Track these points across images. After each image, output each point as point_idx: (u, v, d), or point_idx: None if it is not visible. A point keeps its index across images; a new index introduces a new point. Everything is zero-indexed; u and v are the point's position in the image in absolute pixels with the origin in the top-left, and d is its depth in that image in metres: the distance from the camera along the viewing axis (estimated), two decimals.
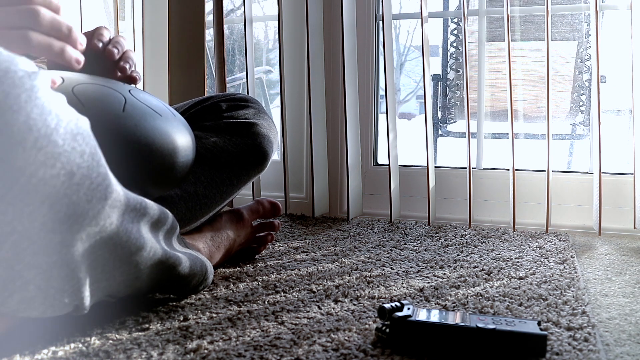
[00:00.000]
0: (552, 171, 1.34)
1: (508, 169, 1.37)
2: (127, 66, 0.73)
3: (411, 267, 0.97)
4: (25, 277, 0.48)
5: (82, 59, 0.61)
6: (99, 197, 0.50)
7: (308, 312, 0.73)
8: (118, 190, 0.54)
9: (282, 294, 0.81)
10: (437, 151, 2.17)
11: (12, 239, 0.46)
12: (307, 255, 1.05)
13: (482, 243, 1.16)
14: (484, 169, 1.44)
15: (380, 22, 1.39)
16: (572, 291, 0.82)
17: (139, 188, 0.62)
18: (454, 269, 0.96)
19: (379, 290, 0.83)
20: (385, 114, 1.39)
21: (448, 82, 2.11)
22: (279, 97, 1.46)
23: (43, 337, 0.63)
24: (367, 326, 0.68)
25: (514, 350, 0.59)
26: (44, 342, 0.62)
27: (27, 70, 0.47)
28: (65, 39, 0.59)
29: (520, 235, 1.24)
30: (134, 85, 0.77)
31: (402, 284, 0.87)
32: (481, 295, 0.81)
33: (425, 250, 1.10)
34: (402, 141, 1.49)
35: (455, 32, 2.10)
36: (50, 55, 0.58)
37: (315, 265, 0.98)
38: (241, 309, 0.74)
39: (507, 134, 1.31)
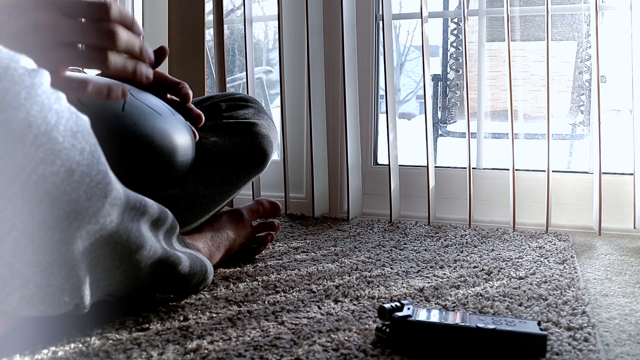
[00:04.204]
0: (552, 171, 1.34)
1: (508, 169, 1.37)
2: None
3: (411, 267, 0.97)
4: (25, 275, 0.48)
5: (151, 76, 0.62)
6: (98, 194, 0.50)
7: (308, 312, 0.73)
8: (118, 188, 0.54)
9: (282, 294, 0.81)
10: (437, 151, 2.17)
11: (11, 236, 0.46)
12: (307, 255, 1.05)
13: (482, 243, 1.16)
14: (484, 169, 1.44)
15: (380, 22, 1.39)
16: (572, 291, 0.82)
17: (139, 187, 0.62)
18: (454, 269, 0.96)
19: (379, 290, 0.83)
20: (385, 114, 1.39)
21: (448, 82, 2.11)
22: (279, 97, 1.46)
23: (43, 337, 0.63)
24: (367, 326, 0.68)
25: (514, 350, 0.59)
26: (44, 342, 0.61)
27: (27, 68, 0.47)
28: (138, 57, 0.60)
29: (520, 235, 1.24)
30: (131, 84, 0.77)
31: (402, 284, 0.87)
32: (481, 295, 0.81)
33: (425, 250, 1.10)
34: (402, 141, 1.49)
35: (455, 32, 2.10)
36: (123, 74, 0.59)
37: (315, 265, 0.98)
38: (241, 309, 0.74)
39: (507, 134, 1.31)
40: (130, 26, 0.58)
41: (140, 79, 0.60)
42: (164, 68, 1.55)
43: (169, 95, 0.82)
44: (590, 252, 1.11)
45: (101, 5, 0.56)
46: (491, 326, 0.60)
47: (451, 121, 2.13)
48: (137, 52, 0.59)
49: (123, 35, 0.57)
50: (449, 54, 2.12)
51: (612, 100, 1.97)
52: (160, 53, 0.71)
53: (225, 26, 1.46)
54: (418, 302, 0.78)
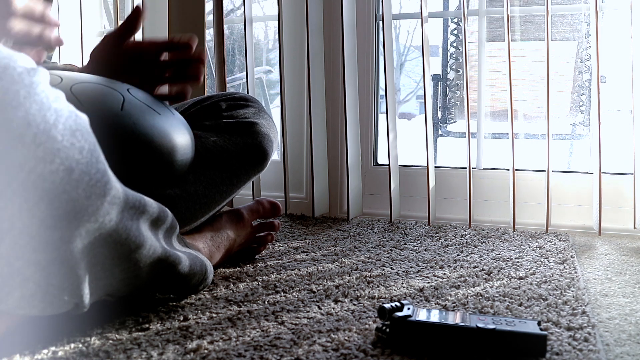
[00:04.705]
0: (552, 171, 1.34)
1: (508, 169, 1.37)
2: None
3: (411, 267, 0.97)
4: (24, 274, 0.48)
5: (61, 41, 0.63)
6: (98, 193, 0.50)
7: (308, 312, 0.73)
8: (117, 187, 0.54)
9: (282, 294, 0.81)
10: (437, 151, 2.17)
11: (11, 235, 0.46)
12: (307, 255, 1.05)
13: (482, 243, 1.16)
14: (484, 169, 1.44)
15: (380, 22, 1.39)
16: (572, 291, 0.82)
17: (138, 186, 0.62)
18: (454, 269, 0.96)
19: (379, 290, 0.83)
20: (385, 114, 1.39)
21: (448, 82, 2.11)
22: (279, 97, 1.46)
23: (43, 337, 0.63)
24: (367, 326, 0.68)
25: (514, 350, 0.59)
26: (44, 342, 0.61)
27: (26, 67, 0.47)
28: (41, 21, 0.61)
29: (520, 235, 1.23)
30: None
31: (402, 284, 0.87)
32: (481, 295, 0.81)
33: (425, 250, 1.10)
34: (402, 141, 1.49)
35: (455, 32, 2.10)
36: (31, 40, 0.60)
37: (315, 265, 0.97)
38: (241, 309, 0.74)
39: (507, 134, 1.31)
40: None
41: (49, 43, 0.62)
42: None
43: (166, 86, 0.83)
44: (590, 252, 1.11)
45: None
46: (491, 326, 0.59)
47: (451, 121, 2.13)
48: (37, 17, 0.61)
49: (19, 0, 0.58)
50: (449, 54, 2.12)
51: (612, 100, 1.97)
52: (135, 13, 0.75)
53: (225, 26, 1.46)
54: (418, 302, 0.78)
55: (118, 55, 0.79)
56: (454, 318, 0.62)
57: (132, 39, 0.79)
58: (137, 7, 0.75)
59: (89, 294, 0.55)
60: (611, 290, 0.85)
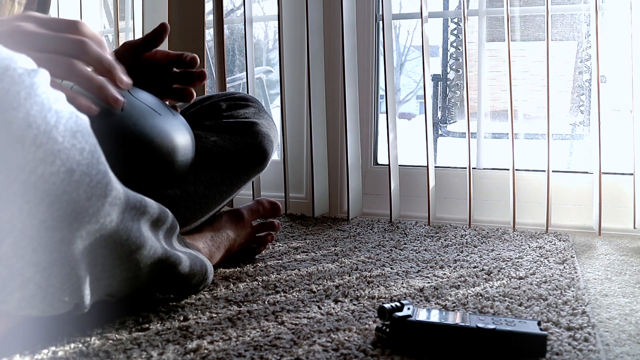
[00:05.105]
0: (552, 171, 1.34)
1: (508, 169, 1.37)
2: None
3: (411, 267, 0.97)
4: (25, 275, 0.48)
5: (121, 100, 0.62)
6: (98, 194, 0.50)
7: (308, 312, 0.73)
8: (118, 188, 0.54)
9: (282, 294, 0.81)
10: (437, 151, 2.17)
11: (12, 236, 0.46)
12: (307, 255, 1.05)
13: (482, 243, 1.16)
14: (484, 169, 1.44)
15: (380, 22, 1.39)
16: (572, 291, 0.82)
17: (139, 186, 0.62)
18: (454, 269, 0.96)
19: (379, 290, 0.83)
20: (385, 114, 1.39)
21: (448, 82, 2.11)
22: (279, 97, 1.46)
23: (43, 337, 0.63)
24: (367, 326, 0.68)
25: (514, 350, 0.59)
26: (44, 342, 0.61)
27: (27, 68, 0.47)
28: (107, 75, 0.61)
29: (520, 235, 1.23)
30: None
31: (402, 284, 0.87)
32: (481, 295, 0.81)
33: (425, 250, 1.10)
34: (402, 141, 1.49)
35: (455, 32, 2.10)
36: (90, 88, 0.60)
37: (315, 265, 0.98)
38: (241, 309, 0.74)
39: (507, 134, 1.31)
40: (99, 45, 0.61)
41: (107, 99, 0.61)
42: None
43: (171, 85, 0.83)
44: (590, 252, 1.11)
45: (74, 21, 0.60)
46: (491, 326, 0.60)
47: (451, 121, 2.13)
48: (105, 66, 0.60)
49: (92, 46, 0.59)
50: (449, 54, 2.12)
51: (612, 100, 1.97)
52: (161, 30, 0.76)
53: (225, 26, 1.46)
54: (418, 302, 0.78)
55: (133, 63, 0.80)
56: (454, 318, 0.62)
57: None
58: (164, 23, 0.77)
59: (89, 295, 0.55)
60: (611, 290, 0.85)
